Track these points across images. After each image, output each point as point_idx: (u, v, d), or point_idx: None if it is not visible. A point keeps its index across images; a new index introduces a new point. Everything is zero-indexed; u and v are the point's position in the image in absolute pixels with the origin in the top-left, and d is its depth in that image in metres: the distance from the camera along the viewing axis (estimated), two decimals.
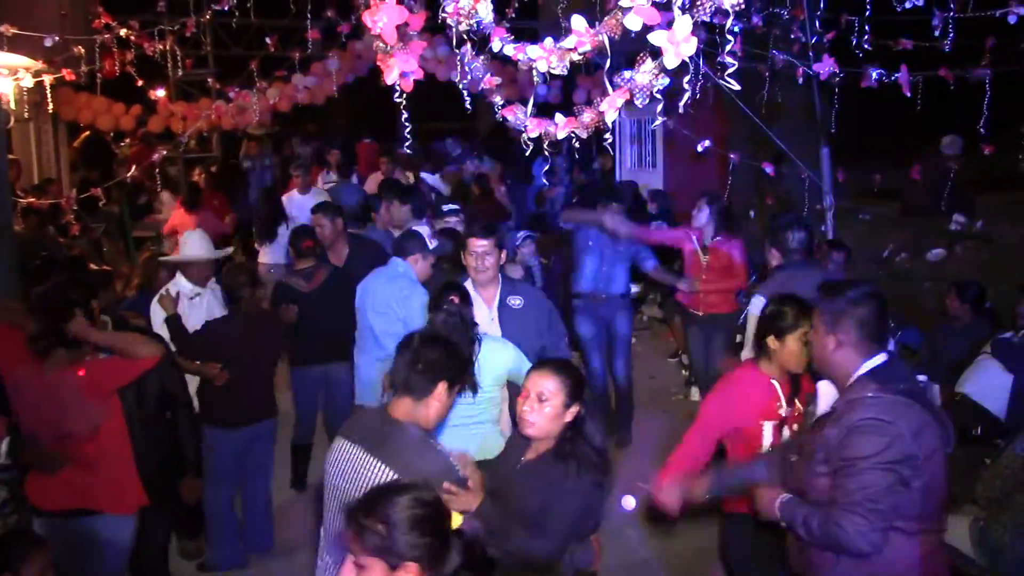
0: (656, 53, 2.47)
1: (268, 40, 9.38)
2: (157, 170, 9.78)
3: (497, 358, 4.44)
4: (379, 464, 2.98)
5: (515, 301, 4.89)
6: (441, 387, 3.12)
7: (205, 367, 5.28)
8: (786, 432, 3.97)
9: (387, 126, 16.50)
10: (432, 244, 5.80)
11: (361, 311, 5.63)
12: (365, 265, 6.07)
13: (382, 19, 2.78)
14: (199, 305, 5.85)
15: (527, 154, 4.07)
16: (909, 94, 5.87)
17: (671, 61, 2.39)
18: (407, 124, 3.67)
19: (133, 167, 8.56)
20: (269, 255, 9.46)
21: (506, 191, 12.71)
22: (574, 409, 3.30)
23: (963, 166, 9.48)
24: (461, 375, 3.27)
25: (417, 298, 5.21)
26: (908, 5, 5.94)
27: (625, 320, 7.34)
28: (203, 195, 11.52)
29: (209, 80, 11.62)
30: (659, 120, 2.51)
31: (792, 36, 7.36)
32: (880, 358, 3.09)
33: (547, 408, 3.27)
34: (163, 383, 4.70)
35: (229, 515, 5.55)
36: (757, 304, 5.06)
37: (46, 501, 4.17)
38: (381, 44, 2.93)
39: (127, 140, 13.75)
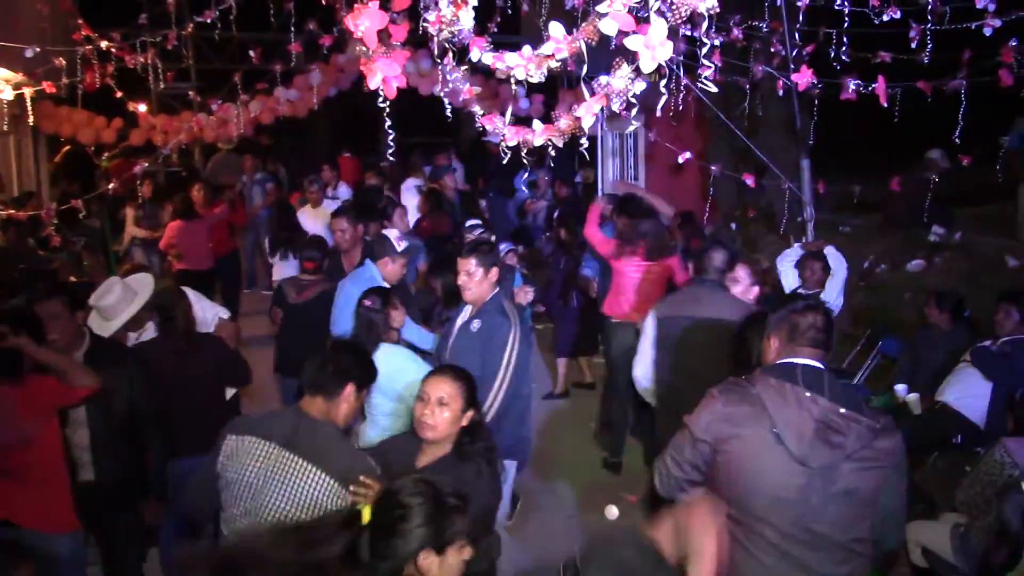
0: (632, 58, 2.49)
1: (252, 53, 9.34)
2: (139, 182, 9.73)
3: (388, 369, 4.39)
4: (300, 461, 3.09)
5: (476, 324, 4.87)
6: (349, 388, 3.33)
7: None
8: None
9: (368, 140, 16.58)
10: (400, 247, 5.85)
11: (334, 314, 5.71)
12: None
13: (364, 23, 2.79)
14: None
15: (506, 165, 4.09)
16: (886, 104, 5.92)
17: (647, 65, 2.41)
18: (390, 131, 3.67)
19: (113, 180, 8.53)
20: (281, 271, 9.49)
21: (486, 204, 12.75)
22: (470, 413, 3.46)
23: (941, 179, 9.58)
24: (369, 379, 3.49)
25: None
26: (886, 18, 6.02)
27: None
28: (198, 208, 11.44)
29: (191, 93, 11.57)
30: (634, 124, 2.51)
31: (772, 50, 7.42)
32: (799, 360, 3.09)
33: (446, 412, 3.40)
34: (131, 401, 4.61)
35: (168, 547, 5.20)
36: (650, 320, 5.25)
37: None
38: (363, 48, 2.94)
39: (107, 153, 13.70)
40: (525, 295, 6.30)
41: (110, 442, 4.51)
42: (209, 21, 7.76)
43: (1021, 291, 6.36)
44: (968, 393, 5.88)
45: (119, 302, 5.26)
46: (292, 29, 8.51)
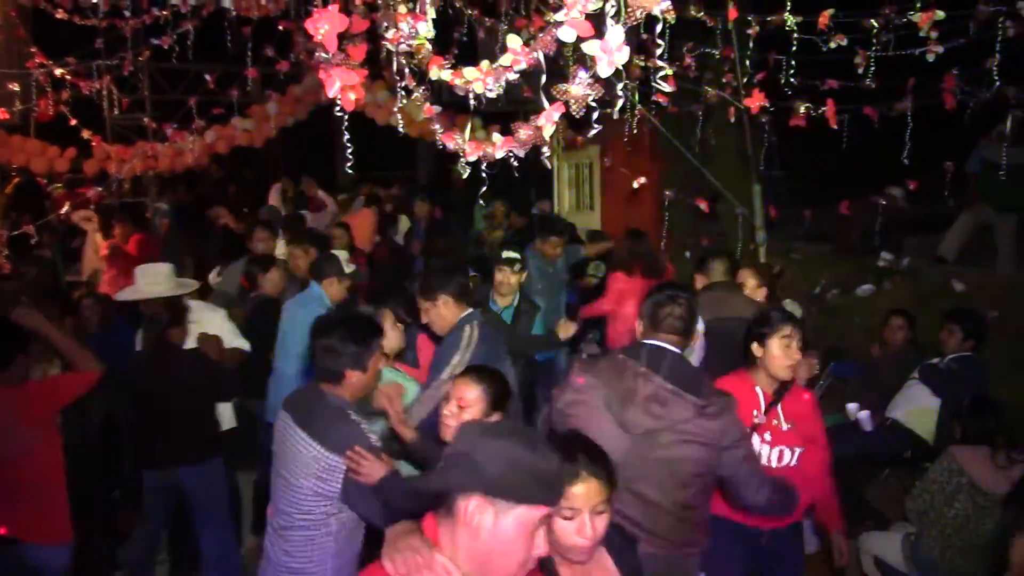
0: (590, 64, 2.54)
1: (208, 77, 9.31)
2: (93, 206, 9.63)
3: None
4: (300, 431, 3.34)
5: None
6: (349, 373, 3.46)
7: None
8: (756, 440, 4.02)
9: (323, 171, 16.54)
10: (348, 269, 5.90)
11: (281, 334, 5.72)
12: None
13: (324, 26, 2.80)
14: None
15: (465, 197, 4.15)
16: (836, 127, 6.06)
17: (604, 70, 2.46)
18: (348, 144, 3.68)
19: (64, 208, 8.43)
20: None
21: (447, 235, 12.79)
22: (495, 417, 3.44)
23: (890, 207, 9.80)
24: (366, 352, 3.50)
25: None
26: (833, 45, 6.18)
27: None
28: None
29: (146, 121, 11.48)
30: (595, 128, 2.56)
31: (724, 80, 7.57)
32: (652, 342, 3.55)
33: (466, 415, 3.41)
34: (109, 411, 4.58)
35: (148, 560, 5.23)
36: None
37: None
38: (323, 54, 2.96)
39: (57, 184, 13.51)
40: (567, 329, 5.89)
41: (83, 451, 4.46)
42: (166, 47, 7.76)
43: (964, 310, 6.54)
44: (917, 410, 6.00)
45: (167, 280, 5.65)
46: (250, 53, 8.51)
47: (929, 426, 5.91)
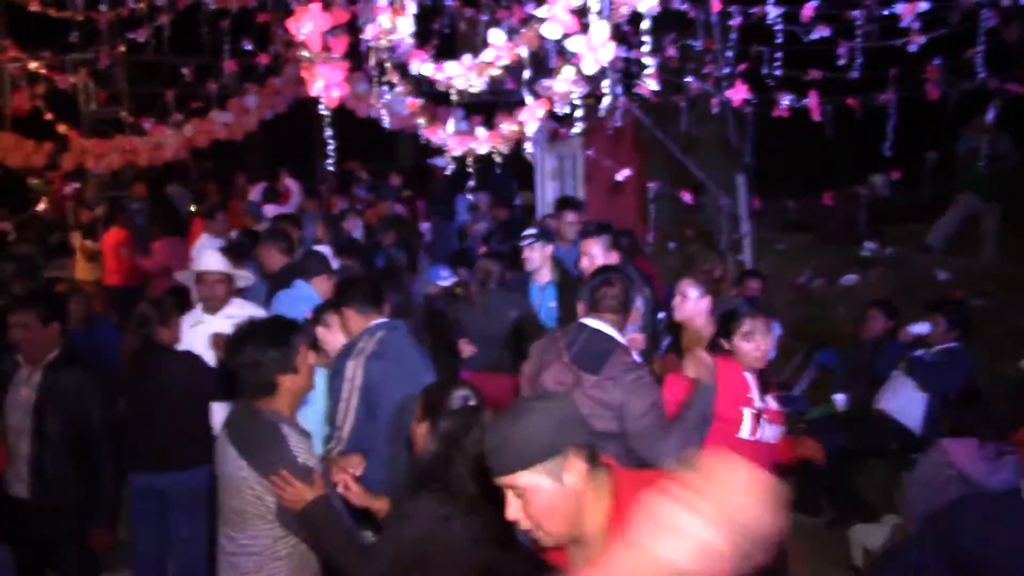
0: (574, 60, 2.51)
1: (185, 71, 9.20)
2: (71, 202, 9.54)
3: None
4: (232, 450, 3.16)
5: None
6: (279, 379, 3.22)
7: None
8: (763, 423, 4.06)
9: (305, 163, 16.42)
10: (335, 265, 5.74)
11: None
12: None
13: (307, 25, 2.75)
14: (200, 334, 5.26)
15: (447, 189, 4.12)
16: (819, 118, 6.05)
17: (589, 67, 2.42)
18: (330, 141, 3.64)
19: (42, 203, 8.33)
20: None
21: (431, 227, 12.73)
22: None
23: (873, 197, 9.82)
24: (289, 354, 3.26)
25: None
26: (815, 36, 6.16)
27: None
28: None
29: (123, 114, 11.34)
30: (578, 127, 2.52)
31: (704, 71, 7.53)
32: (583, 320, 4.07)
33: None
34: (87, 416, 4.46)
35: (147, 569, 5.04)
36: None
37: None
38: (306, 53, 2.91)
39: (39, 179, 13.37)
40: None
41: (54, 457, 4.36)
42: (143, 40, 7.66)
43: (947, 300, 6.54)
44: (904, 401, 6.00)
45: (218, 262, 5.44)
46: (227, 46, 8.39)
47: (916, 417, 5.91)
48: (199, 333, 5.20)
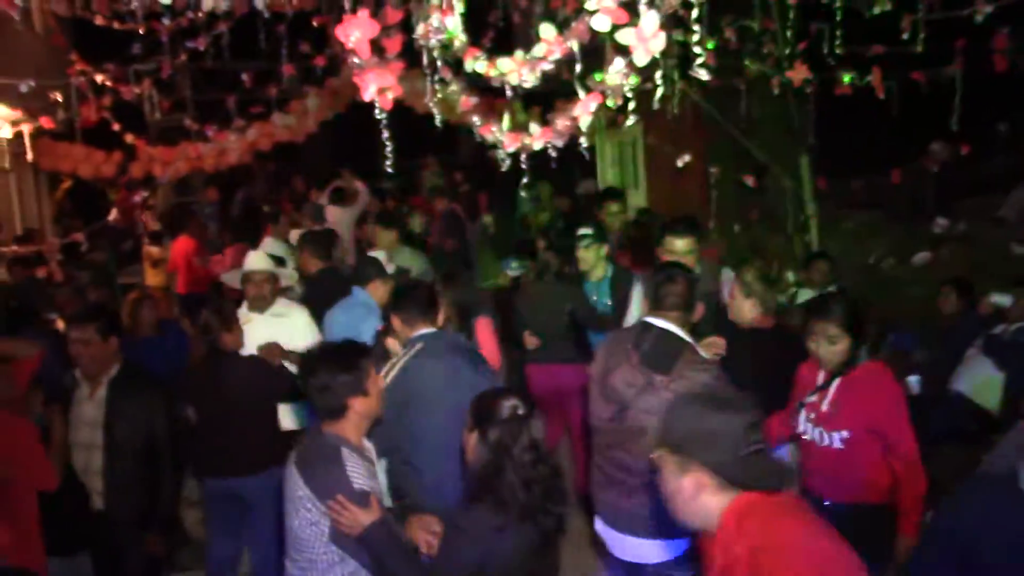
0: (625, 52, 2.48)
1: (245, 76, 9.33)
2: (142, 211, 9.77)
3: None
4: (295, 471, 3.21)
5: None
6: (350, 401, 3.24)
7: None
8: (802, 417, 4.05)
9: (369, 161, 16.54)
10: (390, 269, 5.75)
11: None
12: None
13: (355, 34, 2.76)
14: (248, 332, 5.27)
15: (509, 180, 4.10)
16: (883, 96, 5.90)
17: (641, 58, 2.39)
18: (387, 143, 3.64)
19: (113, 212, 8.53)
20: None
21: (493, 219, 12.75)
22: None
23: (943, 170, 9.55)
24: (359, 380, 3.27)
25: (368, 324, 5.13)
26: (877, 11, 6.01)
27: None
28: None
29: (187, 122, 11.56)
30: (631, 120, 2.49)
31: (764, 50, 7.41)
32: (648, 319, 3.94)
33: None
34: (152, 431, 4.53)
35: (220, 571, 5.13)
36: None
37: None
38: (356, 60, 2.92)
39: (110, 187, 13.74)
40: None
41: (125, 470, 4.45)
42: (202, 49, 7.78)
43: None
44: (981, 382, 5.83)
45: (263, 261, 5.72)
46: (284, 50, 8.50)
47: (994, 399, 5.74)
48: (247, 332, 5.25)
